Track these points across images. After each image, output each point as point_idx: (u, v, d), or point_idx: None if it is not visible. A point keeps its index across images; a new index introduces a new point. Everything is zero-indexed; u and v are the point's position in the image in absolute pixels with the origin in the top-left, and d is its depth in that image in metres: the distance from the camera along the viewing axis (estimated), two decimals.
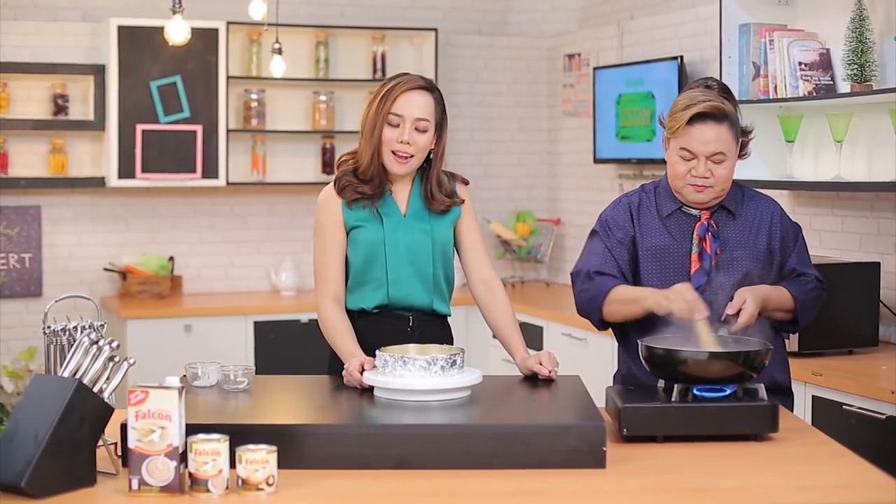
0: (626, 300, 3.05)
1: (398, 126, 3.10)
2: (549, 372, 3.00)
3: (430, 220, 3.19)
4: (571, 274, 3.20)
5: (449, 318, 3.29)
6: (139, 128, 6.02)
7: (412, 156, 3.12)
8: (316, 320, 5.91)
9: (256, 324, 5.96)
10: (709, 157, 3.01)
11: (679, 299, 2.89)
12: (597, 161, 6.22)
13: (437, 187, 3.21)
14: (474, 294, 3.26)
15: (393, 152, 3.11)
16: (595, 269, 3.12)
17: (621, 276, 3.12)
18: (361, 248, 3.15)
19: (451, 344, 3.22)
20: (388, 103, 3.10)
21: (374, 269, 3.16)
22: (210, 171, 6.17)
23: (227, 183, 6.23)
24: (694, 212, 3.11)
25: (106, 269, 6.21)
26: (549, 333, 5.59)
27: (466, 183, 3.29)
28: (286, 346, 5.93)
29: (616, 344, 4.98)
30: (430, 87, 3.16)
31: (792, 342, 3.97)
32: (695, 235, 3.09)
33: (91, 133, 6.13)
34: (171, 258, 6.34)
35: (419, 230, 3.17)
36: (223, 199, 6.49)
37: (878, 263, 4.20)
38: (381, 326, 3.15)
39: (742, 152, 3.15)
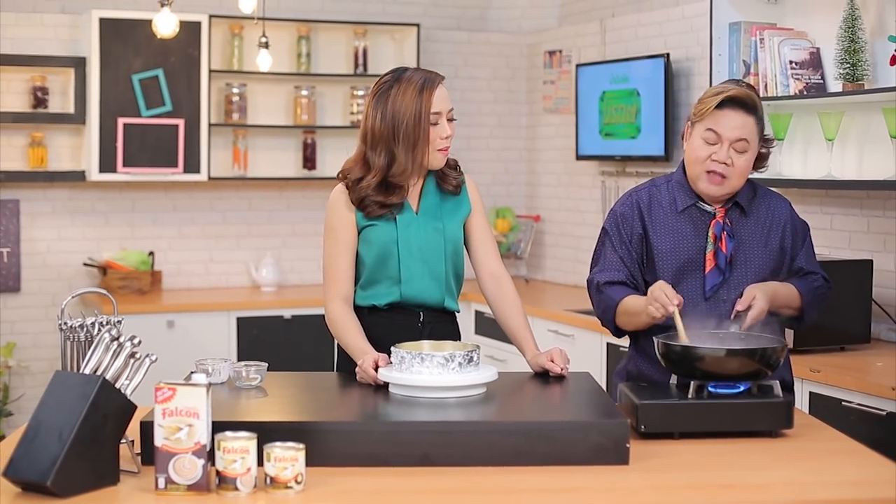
0: (630, 313, 3.06)
1: (437, 124, 3.07)
2: (561, 369, 3.00)
3: (442, 218, 3.19)
4: (587, 281, 3.22)
5: (458, 314, 3.29)
6: (121, 121, 5.96)
7: (450, 145, 3.14)
8: (300, 317, 5.96)
9: (239, 319, 5.92)
10: (732, 142, 3.01)
11: (656, 305, 2.89)
12: (579, 158, 6.23)
13: (448, 170, 3.21)
14: (484, 290, 3.26)
15: (437, 149, 3.10)
16: (604, 279, 3.12)
17: (630, 278, 3.11)
18: (374, 247, 3.13)
19: (459, 340, 3.22)
20: (425, 104, 3.05)
21: (387, 268, 3.14)
22: (192, 165, 6.12)
23: (209, 178, 6.19)
24: (709, 208, 3.10)
25: (86, 264, 6.15)
26: (533, 330, 5.57)
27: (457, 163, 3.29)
28: (269, 342, 5.90)
29: (604, 340, 5.04)
30: (442, 77, 3.15)
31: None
32: (710, 234, 3.07)
33: (71, 126, 6.06)
34: (151, 253, 6.28)
35: (431, 228, 3.16)
36: (203, 193, 6.44)
37: (871, 261, 4.24)
38: (392, 323, 3.15)
39: (761, 165, 3.13)
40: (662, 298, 2.88)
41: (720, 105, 3.01)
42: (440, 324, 3.21)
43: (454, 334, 3.26)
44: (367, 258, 3.15)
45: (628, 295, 3.08)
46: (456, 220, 3.21)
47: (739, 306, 2.96)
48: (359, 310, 3.16)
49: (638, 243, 3.13)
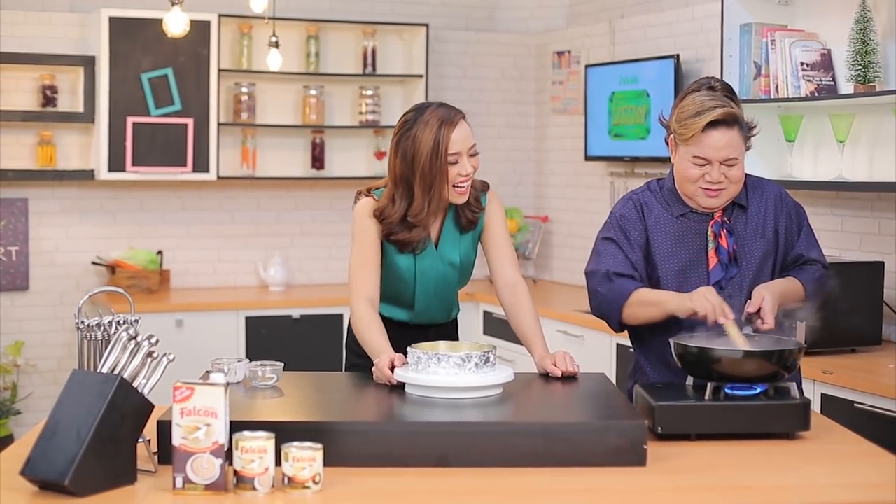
0: (647, 303, 3.01)
1: (457, 163, 3.08)
2: (562, 374, 3.00)
3: (460, 248, 3.24)
4: (586, 273, 3.15)
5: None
6: (130, 120, 5.96)
7: (470, 181, 3.15)
8: (308, 316, 5.95)
9: (248, 319, 5.92)
10: (722, 161, 2.98)
11: (703, 302, 2.87)
12: (588, 158, 6.23)
13: (471, 202, 3.22)
14: (500, 297, 3.30)
15: (455, 186, 3.10)
16: (614, 269, 3.07)
17: (639, 278, 3.09)
18: (392, 272, 3.21)
19: (457, 338, 3.31)
20: (443, 147, 3.05)
21: (402, 295, 3.24)
22: (200, 164, 6.12)
23: (218, 177, 6.19)
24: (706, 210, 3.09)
25: (94, 263, 6.15)
26: (543, 330, 5.57)
27: (488, 186, 3.31)
28: (278, 342, 5.90)
29: (613, 340, 5.04)
30: (462, 113, 3.14)
31: None
32: (710, 232, 3.07)
33: (80, 125, 6.06)
34: (160, 252, 6.28)
35: (448, 264, 3.23)
36: (211, 192, 6.44)
37: (882, 263, 4.24)
38: (401, 334, 3.17)
39: (746, 146, 3.09)
40: (720, 305, 2.84)
41: (703, 129, 2.96)
42: (443, 329, 3.33)
43: (453, 334, 3.38)
44: (383, 280, 3.21)
45: (641, 287, 3.05)
46: (471, 245, 3.27)
47: (750, 308, 2.95)
48: None
49: (644, 247, 3.10)
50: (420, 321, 3.28)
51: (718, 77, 3.05)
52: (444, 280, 3.24)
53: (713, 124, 2.95)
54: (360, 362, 3.20)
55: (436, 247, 3.22)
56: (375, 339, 3.04)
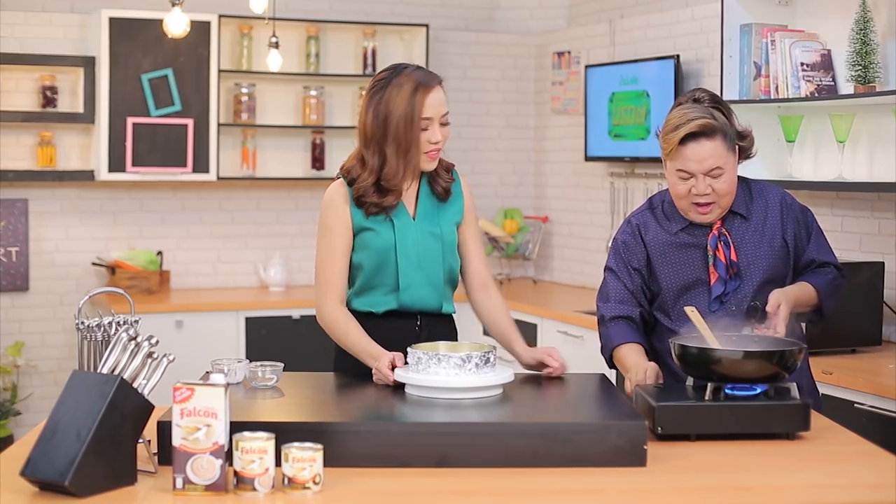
0: (621, 364, 3.12)
1: (427, 129, 3.01)
2: (558, 366, 3.01)
3: (440, 222, 3.13)
4: (596, 306, 3.25)
5: (454, 315, 3.27)
6: (130, 121, 5.96)
7: (440, 149, 3.08)
8: (309, 317, 5.94)
9: (248, 319, 5.92)
10: (706, 173, 2.98)
11: (632, 381, 2.97)
12: (588, 159, 6.23)
13: (440, 171, 3.16)
14: (471, 296, 3.25)
15: (425, 153, 3.04)
16: (609, 314, 3.15)
17: (637, 306, 3.15)
18: (372, 253, 3.08)
19: (457, 341, 3.20)
20: (417, 111, 2.97)
21: (385, 275, 3.09)
22: (201, 165, 6.12)
23: (218, 178, 6.18)
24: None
25: (94, 264, 6.15)
26: (543, 331, 5.59)
27: (453, 166, 3.23)
28: (278, 342, 5.90)
29: None
30: (439, 79, 3.06)
31: None
32: (708, 248, 3.07)
33: (80, 126, 6.07)
34: (160, 253, 6.28)
35: (429, 234, 3.11)
36: (211, 193, 6.44)
37: (882, 263, 4.24)
38: (390, 328, 3.09)
39: (748, 154, 3.11)
40: (641, 380, 2.96)
41: (682, 141, 2.97)
42: (437, 326, 3.18)
43: (451, 335, 3.22)
44: (364, 264, 3.10)
45: (627, 342, 3.10)
46: (451, 222, 3.17)
47: (768, 308, 2.93)
48: (355, 315, 3.11)
49: (645, 269, 3.14)
50: (407, 304, 3.11)
51: (705, 88, 3.07)
52: (426, 251, 3.09)
53: (691, 136, 2.96)
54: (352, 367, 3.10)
55: (413, 219, 3.10)
56: (362, 342, 3.00)
